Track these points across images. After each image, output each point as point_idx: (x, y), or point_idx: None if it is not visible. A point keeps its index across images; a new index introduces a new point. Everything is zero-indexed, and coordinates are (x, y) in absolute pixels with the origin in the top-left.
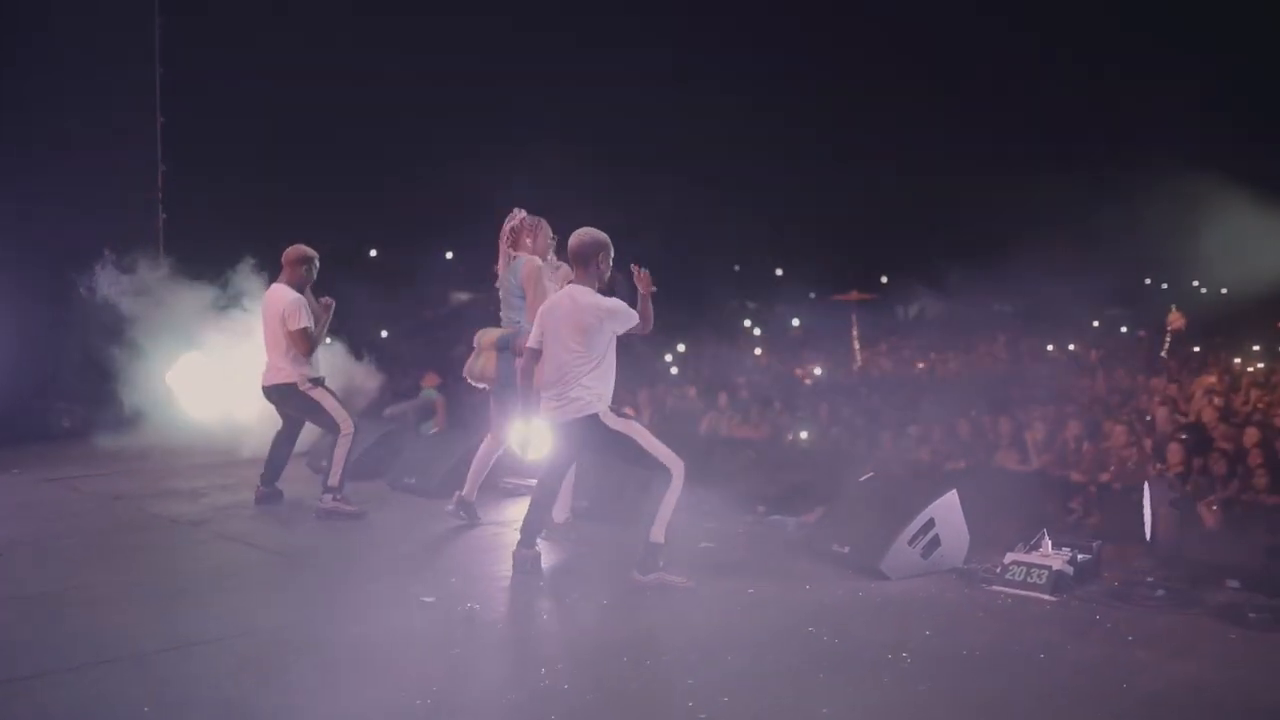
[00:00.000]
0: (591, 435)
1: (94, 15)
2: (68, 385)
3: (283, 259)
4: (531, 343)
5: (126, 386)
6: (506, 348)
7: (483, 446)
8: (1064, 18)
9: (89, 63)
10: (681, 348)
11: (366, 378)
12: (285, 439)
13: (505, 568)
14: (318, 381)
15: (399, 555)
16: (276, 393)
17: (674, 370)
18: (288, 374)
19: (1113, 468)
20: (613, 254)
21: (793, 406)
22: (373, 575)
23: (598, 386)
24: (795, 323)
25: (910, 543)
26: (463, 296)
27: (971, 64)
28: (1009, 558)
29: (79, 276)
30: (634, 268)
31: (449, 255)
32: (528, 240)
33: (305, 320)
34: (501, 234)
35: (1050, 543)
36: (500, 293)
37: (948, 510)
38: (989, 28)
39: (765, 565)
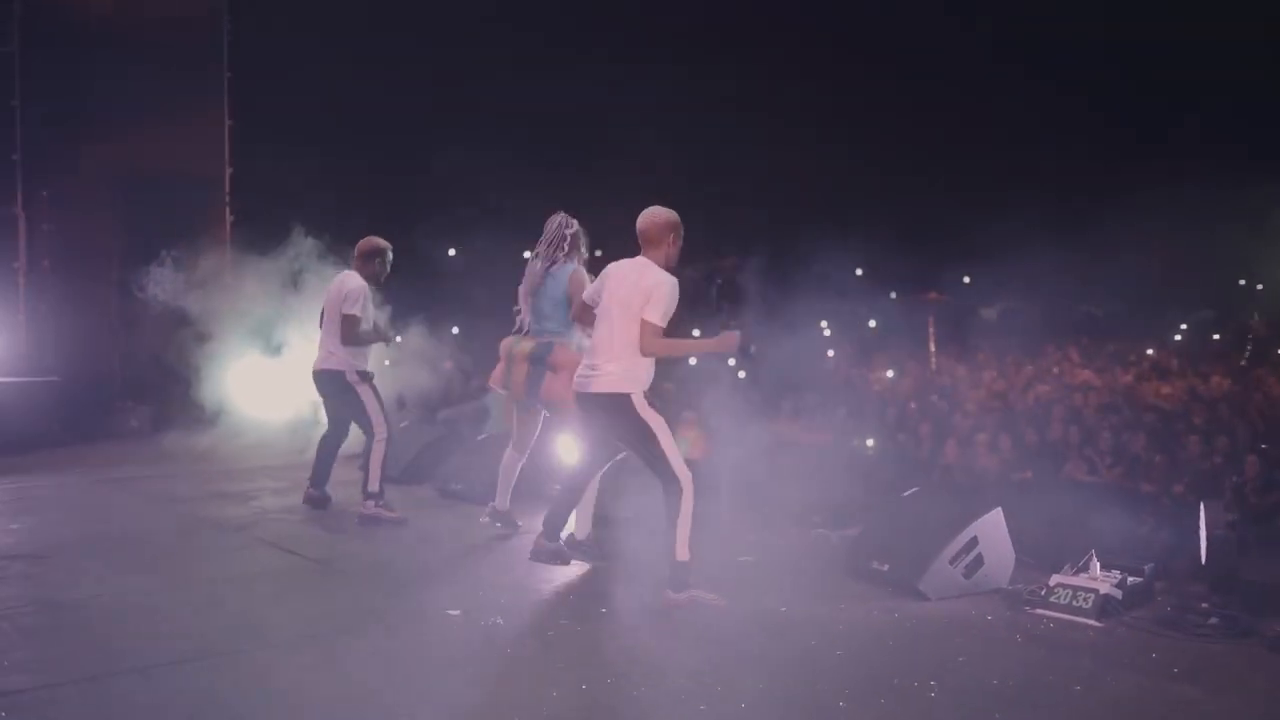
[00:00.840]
0: (615, 416)
1: (166, 17)
2: (136, 385)
3: (355, 250)
4: (586, 296)
5: (193, 386)
6: (541, 360)
7: (506, 456)
8: (1153, 6)
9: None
10: (753, 349)
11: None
12: (332, 440)
13: (535, 579)
14: (365, 377)
15: (433, 565)
16: (324, 379)
17: (740, 374)
18: (339, 361)
19: (1186, 480)
20: (683, 234)
21: (859, 412)
22: (401, 585)
23: (636, 366)
24: (872, 324)
25: (951, 562)
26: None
27: (1058, 60)
28: (1054, 580)
29: (145, 277)
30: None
31: (527, 255)
32: (580, 248)
33: (359, 309)
34: (549, 238)
35: (1098, 564)
36: (531, 299)
37: (992, 529)
38: (1072, 21)
39: (802, 582)
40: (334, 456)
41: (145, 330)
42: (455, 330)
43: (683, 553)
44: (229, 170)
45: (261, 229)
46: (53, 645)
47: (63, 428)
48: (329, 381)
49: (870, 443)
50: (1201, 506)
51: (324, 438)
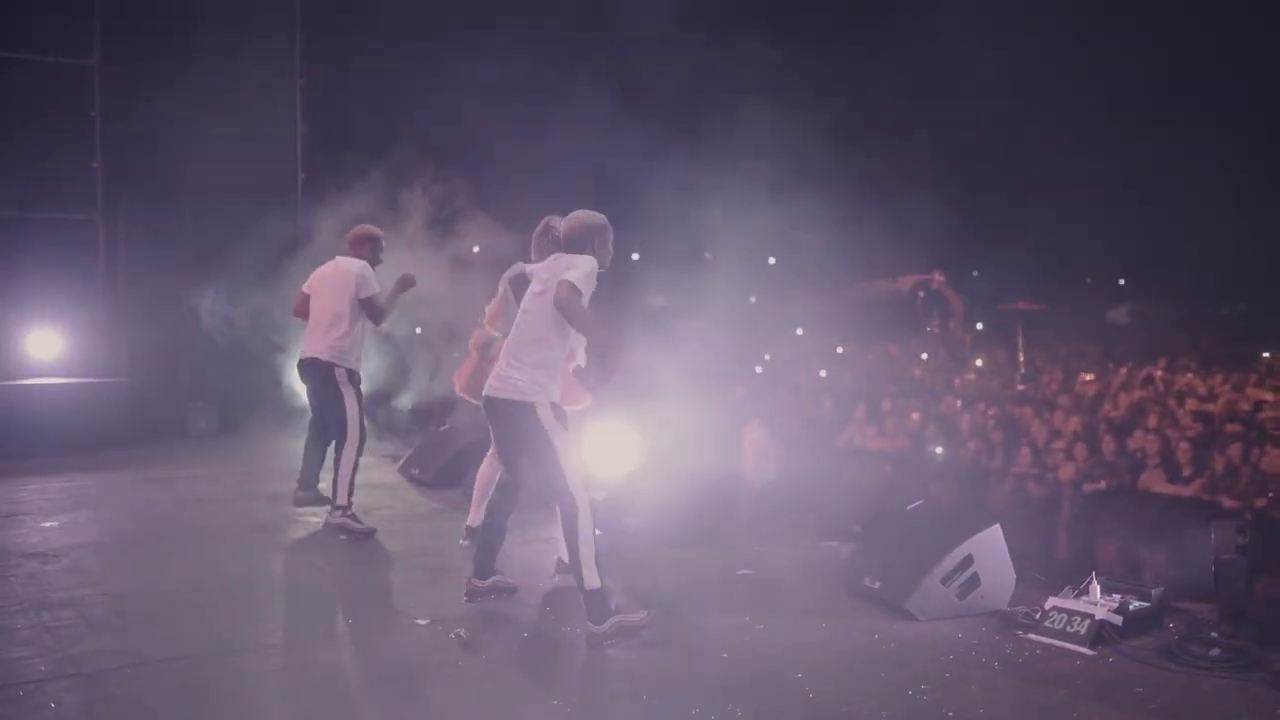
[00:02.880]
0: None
1: (239, 27)
2: (206, 387)
3: (348, 238)
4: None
5: (261, 387)
6: None
7: (483, 467)
8: None
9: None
10: (840, 349)
11: None
12: (317, 439)
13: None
14: (353, 379)
15: (419, 572)
16: (312, 368)
17: (822, 373)
18: (332, 354)
19: (1270, 493)
20: (612, 238)
21: (934, 417)
22: (383, 594)
23: (540, 373)
24: (979, 327)
25: (944, 581)
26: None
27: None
28: (1050, 603)
29: (213, 281)
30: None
31: (635, 256)
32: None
33: (376, 287)
34: (537, 241)
35: (1099, 587)
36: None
37: (989, 547)
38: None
39: (792, 598)
40: (323, 453)
41: (216, 332)
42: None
43: (592, 580)
44: (300, 176)
45: (329, 234)
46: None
47: (130, 428)
48: (316, 372)
49: (939, 450)
50: (1211, 528)
51: (309, 436)
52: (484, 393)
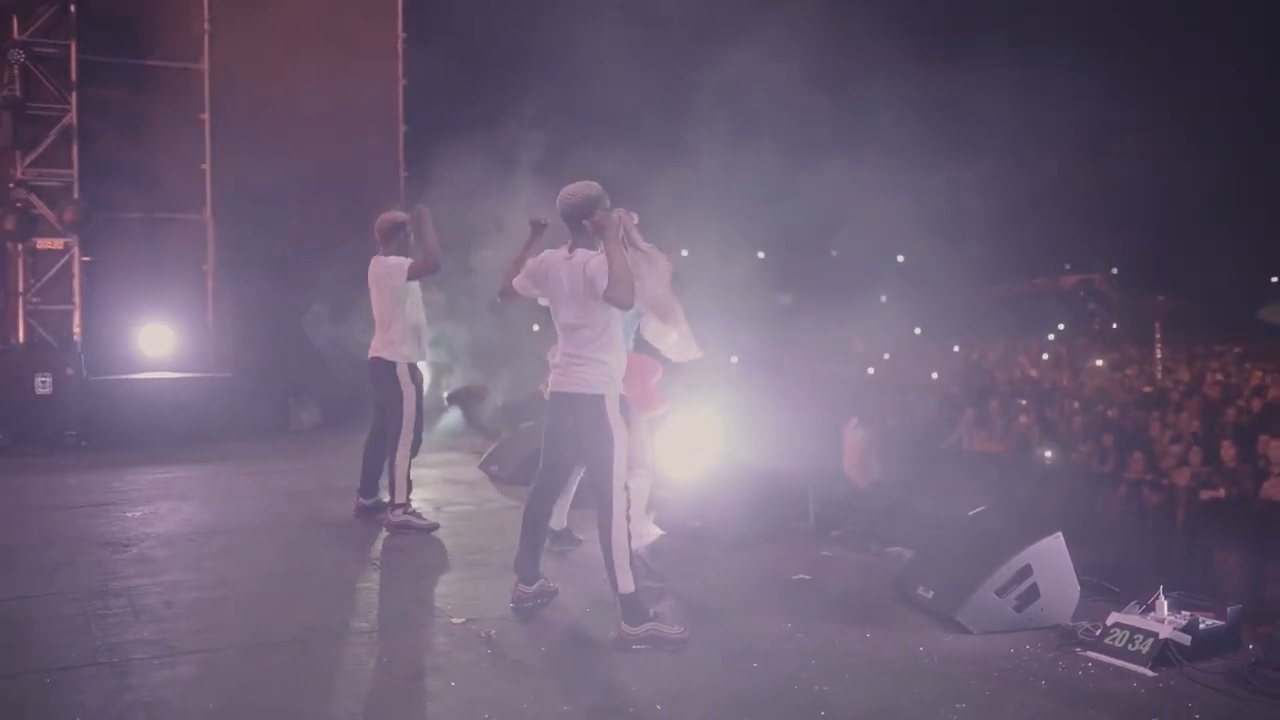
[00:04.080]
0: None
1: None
2: (312, 382)
3: (376, 232)
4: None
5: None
6: None
7: None
8: None
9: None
10: (956, 348)
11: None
12: (378, 442)
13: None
14: (415, 374)
15: (473, 569)
16: (374, 367)
17: (934, 375)
18: (393, 351)
19: None
20: (609, 203)
21: (1044, 419)
22: (427, 591)
23: (604, 366)
24: (1114, 326)
25: (999, 592)
26: (785, 299)
27: None
28: (1112, 618)
29: (316, 278)
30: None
31: (760, 255)
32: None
33: (404, 269)
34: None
35: (1168, 603)
36: None
37: (1049, 557)
38: None
39: (840, 606)
40: (382, 459)
41: (321, 328)
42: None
43: (626, 584)
44: (403, 175)
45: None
46: (52, 629)
47: (232, 423)
48: (379, 371)
49: (1049, 454)
50: None
51: (370, 439)
52: (550, 389)
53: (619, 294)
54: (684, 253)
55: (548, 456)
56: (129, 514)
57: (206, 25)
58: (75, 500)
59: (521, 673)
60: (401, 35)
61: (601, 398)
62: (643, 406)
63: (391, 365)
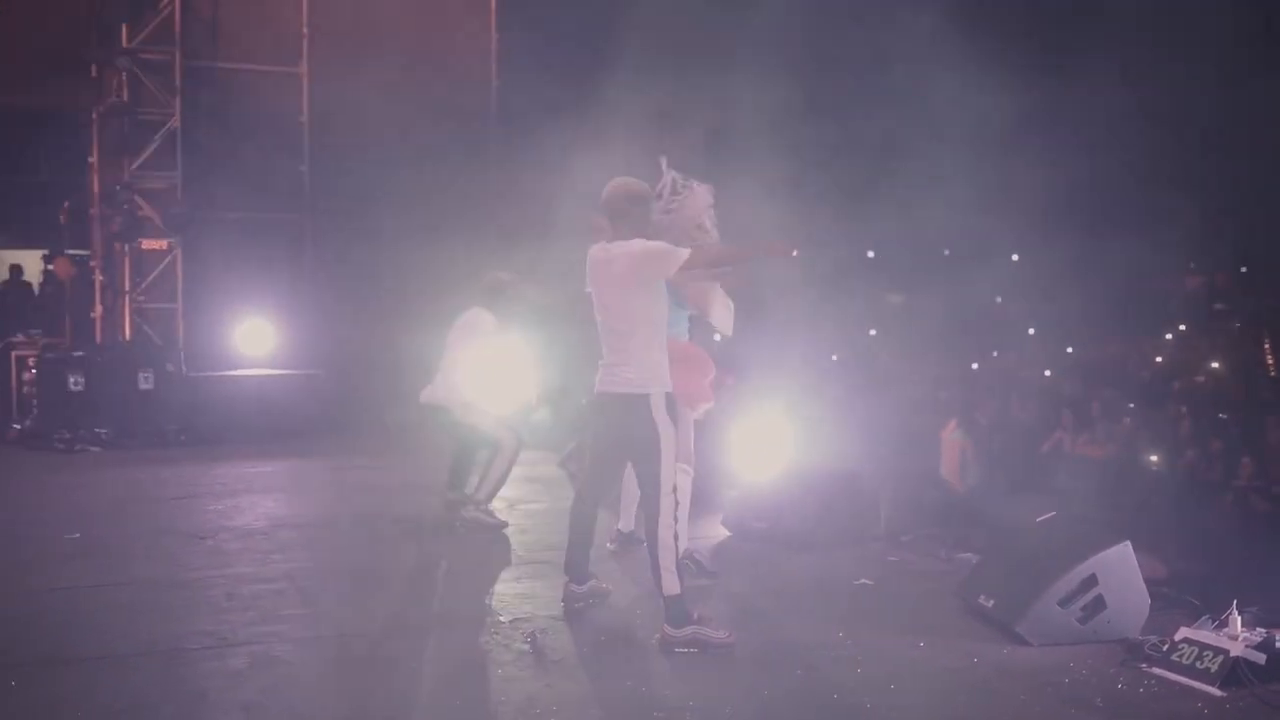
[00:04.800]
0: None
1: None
2: (403, 381)
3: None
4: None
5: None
6: None
7: (627, 470)
8: None
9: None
10: (1070, 349)
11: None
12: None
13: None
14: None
15: (533, 566)
16: None
17: (1046, 373)
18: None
19: None
20: (650, 211)
21: (1150, 423)
22: (483, 588)
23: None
24: (1238, 327)
25: (1062, 604)
26: (895, 298)
27: None
28: (1181, 633)
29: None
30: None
31: (870, 254)
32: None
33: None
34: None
35: (1242, 619)
36: None
37: (1117, 566)
38: None
39: (897, 613)
40: (473, 456)
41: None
42: None
43: (671, 586)
44: (496, 175)
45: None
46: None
47: (326, 419)
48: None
49: (1154, 459)
50: None
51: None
52: (595, 390)
53: (706, 259)
54: (794, 253)
55: (594, 458)
56: (210, 507)
57: (305, 30)
58: (166, 493)
59: (558, 673)
60: (495, 35)
61: (647, 397)
62: (691, 401)
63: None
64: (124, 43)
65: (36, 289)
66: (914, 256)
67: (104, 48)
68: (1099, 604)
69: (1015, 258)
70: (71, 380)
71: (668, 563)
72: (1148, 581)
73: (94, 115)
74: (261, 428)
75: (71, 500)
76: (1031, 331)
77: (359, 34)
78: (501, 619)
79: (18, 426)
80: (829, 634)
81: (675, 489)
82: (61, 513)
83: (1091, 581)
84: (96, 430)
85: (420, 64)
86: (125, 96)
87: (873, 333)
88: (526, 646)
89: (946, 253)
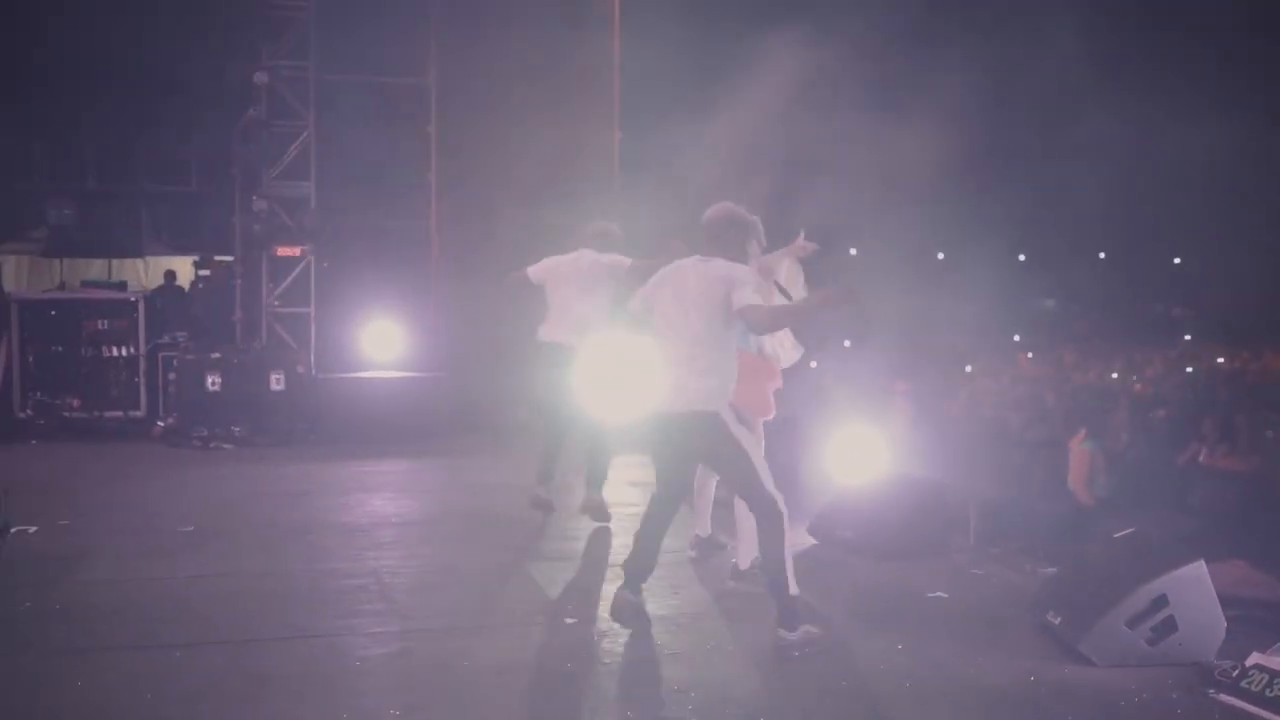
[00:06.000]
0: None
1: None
2: (522, 384)
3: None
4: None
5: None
6: None
7: (698, 476)
8: None
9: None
10: (1221, 360)
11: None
12: (559, 435)
13: (679, 596)
14: None
15: (614, 569)
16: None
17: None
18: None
19: None
20: (751, 242)
21: None
22: (556, 589)
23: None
24: None
25: (1129, 624)
26: (1048, 303)
27: None
28: (1252, 659)
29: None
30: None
31: (1021, 258)
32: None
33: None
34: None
35: None
36: None
37: (1190, 586)
38: None
39: (963, 627)
40: (560, 445)
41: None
42: None
43: (793, 586)
44: (619, 183)
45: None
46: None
47: (448, 421)
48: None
49: None
50: None
51: (553, 432)
52: (656, 409)
53: (759, 320)
54: (851, 250)
55: (662, 477)
56: (320, 503)
57: (433, 43)
58: (282, 488)
59: (604, 676)
60: (618, 52)
61: (718, 414)
62: (758, 411)
63: None
64: (263, 58)
65: (188, 292)
66: (1067, 260)
67: (245, 63)
68: (1170, 625)
69: (1177, 261)
70: (209, 380)
71: (790, 564)
72: (1266, 604)
73: (236, 128)
74: (386, 428)
75: (195, 494)
76: (1188, 338)
77: (485, 47)
78: (567, 620)
79: (161, 424)
80: (886, 645)
81: (779, 489)
82: (183, 506)
83: (1162, 601)
84: (231, 428)
85: (540, 67)
86: (264, 109)
87: (1016, 338)
88: (584, 650)
89: (1101, 255)
